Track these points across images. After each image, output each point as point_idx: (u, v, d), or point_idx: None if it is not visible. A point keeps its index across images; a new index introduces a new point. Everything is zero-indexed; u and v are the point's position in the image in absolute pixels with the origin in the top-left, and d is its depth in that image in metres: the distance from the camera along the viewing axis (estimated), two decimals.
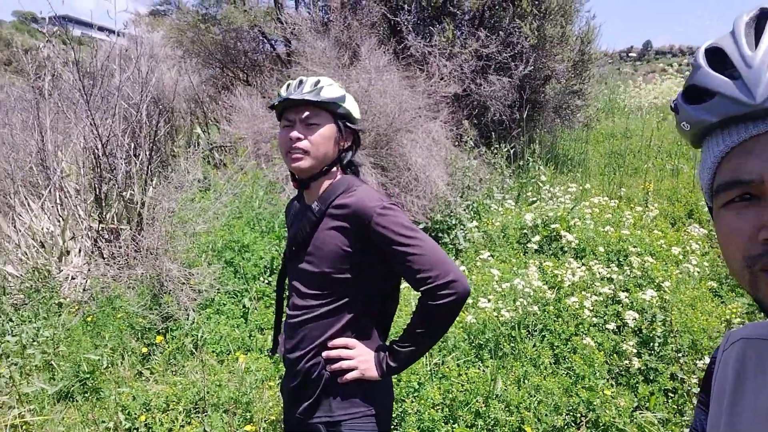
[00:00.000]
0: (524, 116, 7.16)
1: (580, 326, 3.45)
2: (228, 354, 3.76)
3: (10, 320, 4.83)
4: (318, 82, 1.69)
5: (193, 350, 3.83)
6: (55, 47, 5.90)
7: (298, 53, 6.32)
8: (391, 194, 4.96)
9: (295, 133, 1.66)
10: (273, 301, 4.25)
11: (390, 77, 5.12)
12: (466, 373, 3.00)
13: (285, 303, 1.94)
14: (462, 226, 5.01)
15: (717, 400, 0.78)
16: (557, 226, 4.74)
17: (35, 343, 4.22)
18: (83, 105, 4.67)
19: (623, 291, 3.82)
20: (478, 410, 2.79)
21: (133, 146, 5.91)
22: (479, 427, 2.73)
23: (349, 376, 1.64)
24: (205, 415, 3.05)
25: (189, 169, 4.62)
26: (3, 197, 7.50)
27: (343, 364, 1.65)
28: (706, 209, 0.75)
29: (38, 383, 3.52)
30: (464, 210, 5.10)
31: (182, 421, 3.03)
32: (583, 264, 4.27)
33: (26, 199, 6.71)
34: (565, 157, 8.56)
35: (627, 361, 3.18)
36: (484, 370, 3.08)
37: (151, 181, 5.17)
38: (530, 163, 6.77)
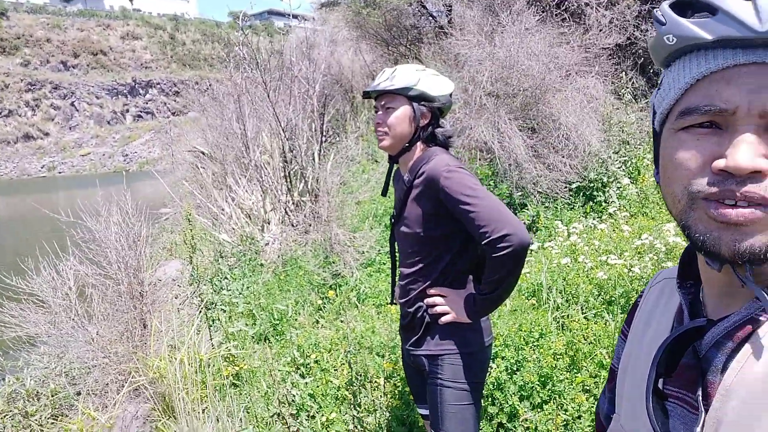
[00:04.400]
0: None
1: None
2: (384, 306, 4.28)
3: (226, 278, 5.99)
4: (395, 70, 1.99)
5: (357, 303, 4.44)
6: (247, 44, 6.89)
7: (453, 24, 6.53)
8: (540, 155, 5.01)
9: (377, 119, 2.00)
10: None
11: (537, 38, 5.10)
12: (593, 327, 3.09)
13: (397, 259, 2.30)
14: (618, 184, 4.87)
15: (634, 332, 0.85)
16: None
17: (241, 295, 5.20)
18: (265, 96, 5.51)
19: None
20: (602, 361, 2.88)
21: (311, 128, 6.75)
22: (602, 377, 2.84)
23: (444, 319, 1.95)
24: (359, 356, 3.59)
25: (351, 145, 5.19)
26: (221, 177, 9.06)
27: (438, 309, 1.96)
28: None
29: (239, 325, 4.41)
30: (620, 167, 4.94)
31: (342, 359, 3.61)
32: None
33: (235, 178, 8.02)
34: None
35: None
36: (610, 325, 3.13)
37: (323, 158, 5.90)
38: None
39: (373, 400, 3.03)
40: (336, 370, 3.56)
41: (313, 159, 6.37)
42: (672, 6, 0.64)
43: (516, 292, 3.63)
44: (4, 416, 4.49)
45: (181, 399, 3.56)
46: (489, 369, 2.87)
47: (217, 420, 3.27)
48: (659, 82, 0.70)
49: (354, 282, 4.58)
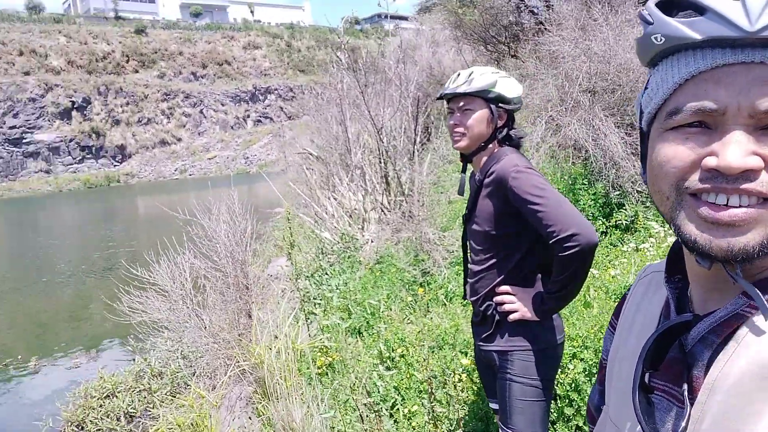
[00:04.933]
0: None
1: None
2: (469, 304, 4.32)
3: (326, 274, 6.31)
4: (471, 73, 2.02)
5: (445, 301, 4.51)
6: (345, 50, 7.20)
7: (550, 20, 6.38)
8: (638, 154, 4.78)
9: (453, 120, 2.07)
10: None
11: (636, 30, 4.87)
12: None
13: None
14: None
15: (622, 325, 0.87)
16: None
17: (337, 290, 5.47)
18: (362, 100, 5.74)
19: None
20: None
21: (408, 129, 6.91)
22: None
23: (513, 317, 1.99)
24: (443, 352, 3.68)
25: (444, 145, 5.27)
26: (325, 178, 9.49)
27: (506, 307, 2.00)
28: None
29: (334, 319, 4.66)
30: None
31: (426, 354, 3.72)
32: None
33: (339, 178, 8.38)
34: None
35: None
36: None
37: (418, 158, 6.03)
38: None
39: (449, 394, 3.11)
40: (419, 364, 3.67)
41: (410, 159, 6.53)
42: (658, 5, 0.63)
43: (603, 294, 3.52)
44: (133, 391, 5.10)
45: (277, 384, 3.85)
46: (566, 369, 2.85)
47: (308, 405, 3.50)
48: (646, 82, 0.71)
49: (442, 280, 4.66)
